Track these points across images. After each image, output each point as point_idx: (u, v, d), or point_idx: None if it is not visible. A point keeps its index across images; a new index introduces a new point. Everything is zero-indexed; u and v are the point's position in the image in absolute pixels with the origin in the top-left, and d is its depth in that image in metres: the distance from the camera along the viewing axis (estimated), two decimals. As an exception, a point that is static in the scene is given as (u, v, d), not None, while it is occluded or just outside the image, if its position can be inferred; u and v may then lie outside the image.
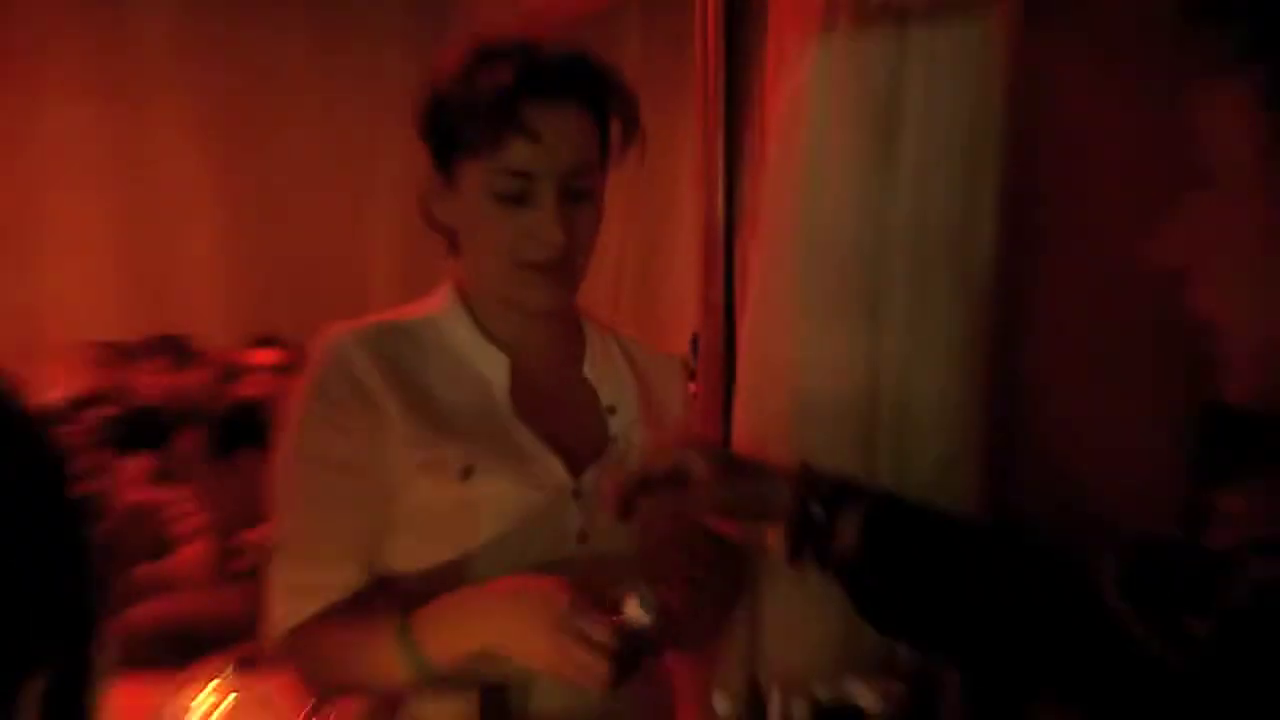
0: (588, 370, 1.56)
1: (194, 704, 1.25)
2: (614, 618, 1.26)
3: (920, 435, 1.60)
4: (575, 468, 1.48)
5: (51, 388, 5.54)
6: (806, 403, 1.63)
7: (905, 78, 1.54)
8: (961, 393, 1.60)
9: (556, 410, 1.52)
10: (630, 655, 1.26)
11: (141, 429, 4.71)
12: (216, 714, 1.25)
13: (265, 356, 4.67)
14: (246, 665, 1.31)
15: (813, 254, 1.60)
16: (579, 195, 1.40)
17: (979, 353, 1.60)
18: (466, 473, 1.41)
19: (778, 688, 1.48)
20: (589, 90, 1.39)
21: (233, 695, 1.26)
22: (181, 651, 3.43)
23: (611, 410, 1.56)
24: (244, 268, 5.57)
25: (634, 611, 1.27)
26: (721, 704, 1.46)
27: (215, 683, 1.27)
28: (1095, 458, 1.54)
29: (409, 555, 1.46)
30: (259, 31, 5.49)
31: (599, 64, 1.42)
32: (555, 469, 1.46)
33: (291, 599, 1.41)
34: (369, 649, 1.37)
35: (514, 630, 1.31)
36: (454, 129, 1.38)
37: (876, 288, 1.58)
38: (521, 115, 1.34)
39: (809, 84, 1.58)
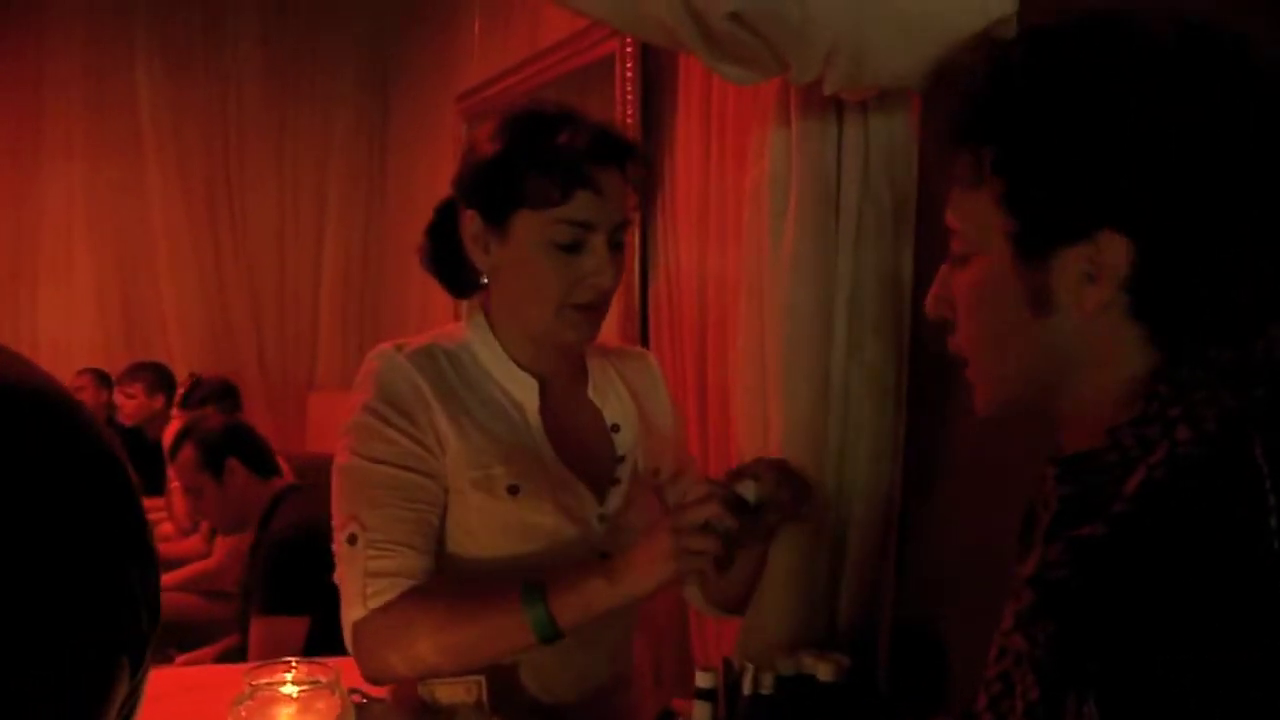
0: (591, 392, 1.58)
1: (269, 685, 1.23)
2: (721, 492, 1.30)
3: (857, 429, 1.65)
4: (597, 490, 1.51)
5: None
6: (781, 409, 1.66)
7: (843, 159, 1.60)
8: (885, 401, 1.66)
9: (574, 431, 1.54)
10: (739, 529, 1.29)
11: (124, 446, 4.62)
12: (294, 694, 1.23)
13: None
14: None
15: (777, 293, 1.64)
16: (618, 245, 1.46)
17: (899, 371, 1.67)
18: (513, 490, 1.44)
19: (750, 663, 1.48)
20: (627, 158, 1.45)
21: (309, 681, 1.25)
22: (159, 644, 3.40)
23: (615, 428, 1.57)
24: (211, 307, 5.40)
25: (743, 488, 1.32)
26: (703, 679, 1.45)
27: (292, 670, 1.25)
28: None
29: (460, 550, 1.47)
30: (223, 96, 5.36)
31: (632, 139, 1.50)
32: (586, 499, 1.49)
33: (374, 582, 1.39)
34: (488, 615, 1.37)
35: (637, 564, 1.31)
36: (521, 184, 1.40)
37: (827, 325, 1.63)
38: (589, 173, 1.39)
39: (770, 164, 1.63)
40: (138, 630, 0.79)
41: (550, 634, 1.34)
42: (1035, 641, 0.78)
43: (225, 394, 4.48)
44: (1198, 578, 0.70)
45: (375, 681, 1.45)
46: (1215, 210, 0.83)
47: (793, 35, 1.38)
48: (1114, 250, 0.83)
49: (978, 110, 0.91)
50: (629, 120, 2.78)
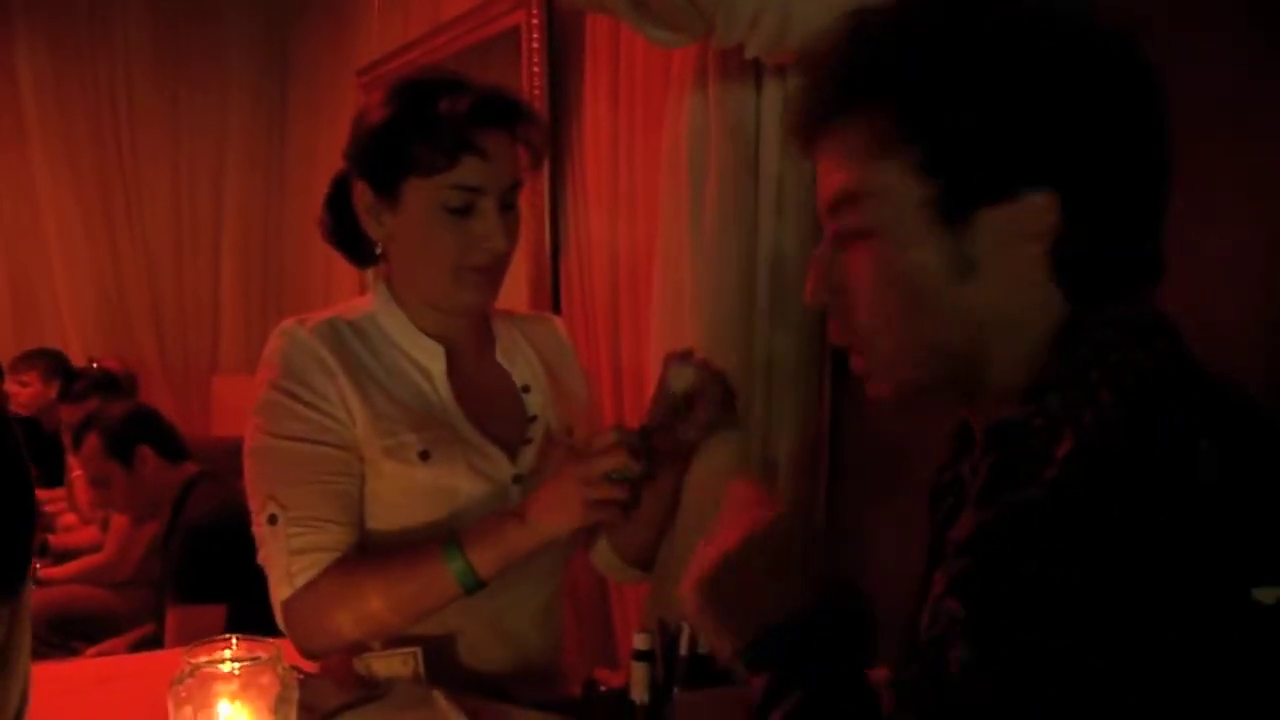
0: (499, 356, 1.58)
1: (208, 663, 1.14)
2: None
3: (781, 397, 1.67)
4: (509, 451, 1.50)
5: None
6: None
7: (762, 119, 1.61)
8: (810, 369, 1.68)
9: (484, 395, 1.53)
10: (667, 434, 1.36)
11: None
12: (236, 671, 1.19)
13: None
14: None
15: (700, 256, 1.64)
16: (510, 207, 1.44)
17: (823, 338, 1.67)
18: (425, 455, 1.43)
19: (686, 624, 1.44)
20: (516, 120, 1.44)
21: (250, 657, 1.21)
22: (62, 638, 3.28)
23: (526, 389, 1.57)
24: (106, 292, 5.14)
25: (676, 376, 1.39)
26: (641, 640, 1.45)
27: (231, 648, 1.21)
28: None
29: (378, 523, 1.46)
30: (111, 78, 5.09)
31: (522, 101, 1.48)
32: (500, 461, 1.48)
33: (298, 560, 1.37)
34: (413, 571, 1.36)
35: (547, 506, 1.33)
36: (408, 152, 1.39)
37: (751, 279, 1.64)
38: (474, 138, 1.38)
39: (689, 128, 1.63)
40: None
41: (472, 584, 1.35)
42: (969, 606, 0.76)
43: (109, 384, 4.23)
44: (1132, 539, 0.70)
45: (310, 656, 1.42)
46: (1133, 161, 0.82)
47: (720, -3, 1.37)
48: (1042, 208, 0.81)
49: (879, 70, 0.84)
50: (536, 93, 2.75)
